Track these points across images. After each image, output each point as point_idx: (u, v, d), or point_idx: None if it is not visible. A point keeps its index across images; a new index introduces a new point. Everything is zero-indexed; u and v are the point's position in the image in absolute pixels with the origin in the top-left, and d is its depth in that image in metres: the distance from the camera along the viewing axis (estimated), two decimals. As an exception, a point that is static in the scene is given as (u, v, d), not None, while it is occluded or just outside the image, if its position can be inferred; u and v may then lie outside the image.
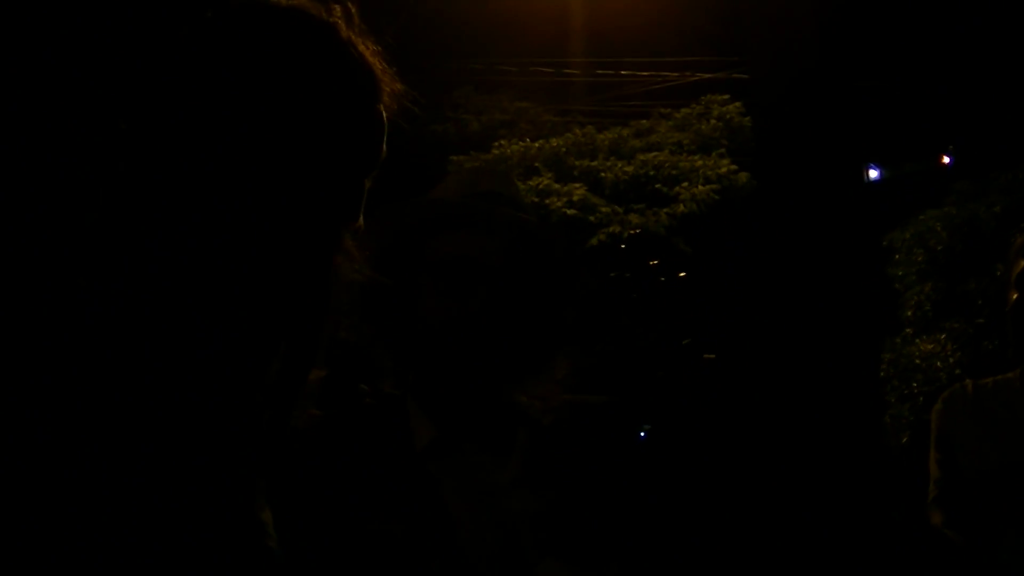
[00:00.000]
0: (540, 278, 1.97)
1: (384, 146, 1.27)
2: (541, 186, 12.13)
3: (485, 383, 1.95)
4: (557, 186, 12.20)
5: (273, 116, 1.14)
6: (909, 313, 11.36)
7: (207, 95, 1.13)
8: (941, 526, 3.30)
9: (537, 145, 13.06)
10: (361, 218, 1.25)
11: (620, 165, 12.62)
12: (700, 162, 12.57)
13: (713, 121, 13.33)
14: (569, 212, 11.85)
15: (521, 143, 13.21)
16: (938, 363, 10.66)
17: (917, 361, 10.81)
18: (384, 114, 1.26)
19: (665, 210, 12.13)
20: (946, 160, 17.54)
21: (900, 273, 11.58)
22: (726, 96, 13.57)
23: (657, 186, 12.44)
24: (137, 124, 1.14)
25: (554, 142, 13.08)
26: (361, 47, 1.23)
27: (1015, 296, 3.11)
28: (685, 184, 12.31)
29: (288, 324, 1.18)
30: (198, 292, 1.11)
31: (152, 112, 1.14)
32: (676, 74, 14.71)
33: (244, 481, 1.15)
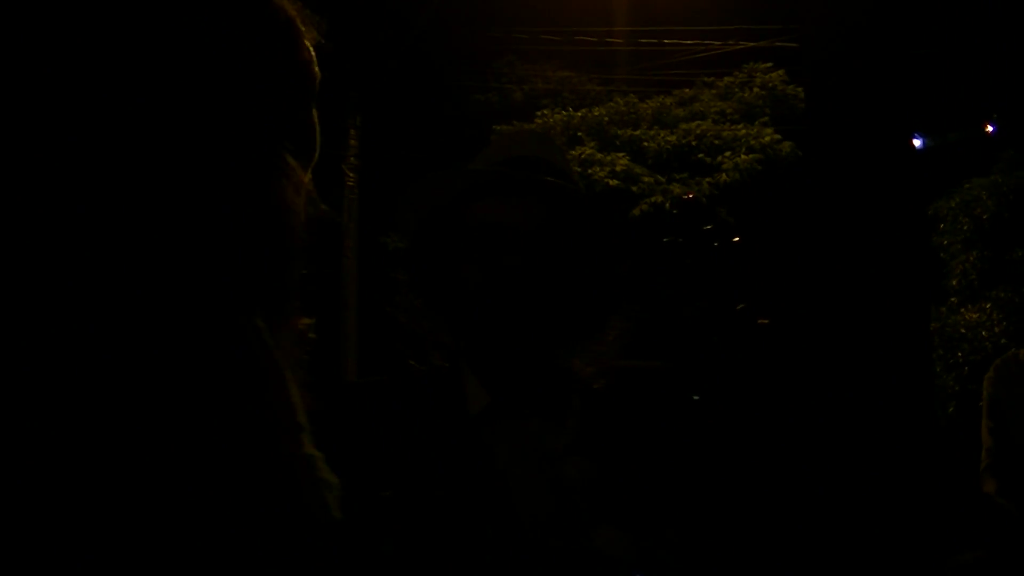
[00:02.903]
0: (583, 242, 1.95)
1: (316, 71, 1.33)
2: (584, 156, 12.12)
3: (536, 348, 1.95)
4: (600, 156, 12.17)
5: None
6: (954, 282, 11.29)
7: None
8: (994, 494, 3.29)
9: (580, 114, 13.05)
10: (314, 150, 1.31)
11: (663, 134, 12.58)
12: (743, 131, 12.50)
13: (756, 89, 13.26)
14: (612, 183, 11.83)
15: (564, 112, 13.20)
16: (984, 332, 10.60)
17: (962, 331, 10.75)
18: (309, 47, 1.32)
19: (708, 179, 12.09)
20: (989, 129, 17.38)
21: (945, 242, 11.49)
22: (769, 64, 13.49)
23: (700, 155, 12.38)
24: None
25: (597, 111, 13.06)
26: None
27: None
28: (728, 153, 12.24)
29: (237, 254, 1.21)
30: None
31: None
32: (720, 42, 14.63)
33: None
